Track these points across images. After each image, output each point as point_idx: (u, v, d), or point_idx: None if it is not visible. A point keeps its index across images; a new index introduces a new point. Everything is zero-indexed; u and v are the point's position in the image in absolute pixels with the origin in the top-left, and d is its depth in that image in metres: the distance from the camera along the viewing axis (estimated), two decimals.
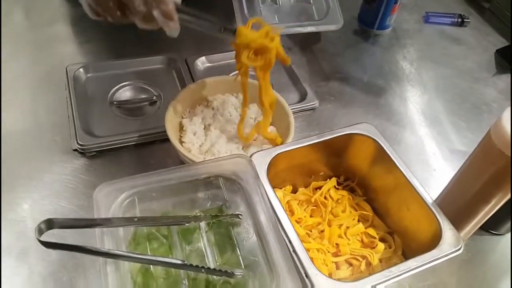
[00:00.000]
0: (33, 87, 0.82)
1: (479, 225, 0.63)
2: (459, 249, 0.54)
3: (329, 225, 0.64)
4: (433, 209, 0.57)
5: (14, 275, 0.58)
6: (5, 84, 0.81)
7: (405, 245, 0.64)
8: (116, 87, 0.82)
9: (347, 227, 0.64)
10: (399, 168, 0.60)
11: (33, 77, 0.84)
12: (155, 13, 0.54)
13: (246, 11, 0.82)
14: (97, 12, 0.56)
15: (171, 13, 0.55)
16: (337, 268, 0.61)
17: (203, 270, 0.48)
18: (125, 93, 0.82)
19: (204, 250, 0.52)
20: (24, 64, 0.86)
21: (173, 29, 0.57)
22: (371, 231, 0.63)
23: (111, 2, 0.54)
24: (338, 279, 0.59)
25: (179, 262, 0.48)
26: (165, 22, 0.55)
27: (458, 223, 0.59)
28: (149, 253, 0.51)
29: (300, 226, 0.63)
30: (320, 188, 0.68)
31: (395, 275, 0.51)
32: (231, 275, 0.48)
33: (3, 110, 0.76)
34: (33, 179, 0.68)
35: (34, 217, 0.64)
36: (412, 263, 0.52)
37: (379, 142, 0.62)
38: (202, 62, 0.90)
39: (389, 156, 0.61)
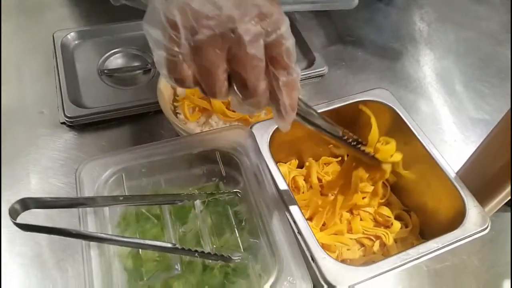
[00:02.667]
0: (18, 55, 0.76)
1: (505, 201, 0.56)
2: (485, 229, 0.48)
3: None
4: (456, 184, 0.51)
5: None
6: None
7: (423, 223, 0.58)
8: (107, 54, 0.76)
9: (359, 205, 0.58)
10: (418, 139, 0.54)
11: (19, 44, 0.78)
12: (281, 97, 0.37)
13: None
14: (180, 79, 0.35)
15: (295, 102, 0.39)
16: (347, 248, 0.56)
17: (196, 254, 0.43)
18: (116, 60, 0.76)
19: (199, 231, 0.47)
20: (9, 31, 0.80)
21: (290, 122, 0.40)
22: (386, 210, 0.58)
23: (221, 69, 0.34)
24: (349, 260, 0.54)
25: (169, 245, 0.43)
26: (287, 112, 0.38)
27: (481, 198, 0.53)
28: (139, 235, 0.46)
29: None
30: (329, 164, 0.62)
31: (413, 258, 0.46)
32: (228, 259, 0.43)
33: None
34: (18, 155, 0.63)
35: (20, 195, 0.58)
36: (432, 244, 0.47)
37: (396, 110, 0.56)
38: None
39: (408, 126, 0.55)
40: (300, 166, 0.63)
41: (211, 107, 0.61)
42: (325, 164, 0.63)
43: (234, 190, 0.48)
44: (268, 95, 0.37)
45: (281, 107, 0.38)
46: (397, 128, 0.56)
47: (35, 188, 0.60)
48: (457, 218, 0.50)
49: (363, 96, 0.57)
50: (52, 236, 0.54)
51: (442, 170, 0.52)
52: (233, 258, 0.43)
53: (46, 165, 0.63)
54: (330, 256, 0.44)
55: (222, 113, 0.60)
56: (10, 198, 0.59)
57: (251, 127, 0.53)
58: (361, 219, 0.57)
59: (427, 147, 0.53)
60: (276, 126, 0.53)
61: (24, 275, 0.53)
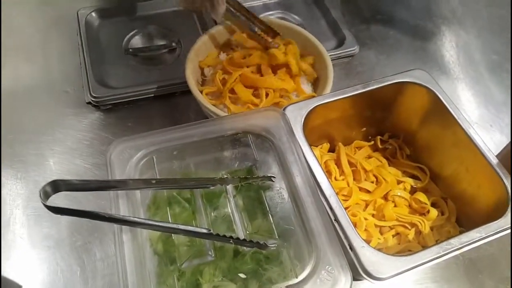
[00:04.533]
0: (42, 33, 0.75)
1: None
2: None
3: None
4: (499, 171, 0.49)
5: (25, 238, 0.54)
6: (12, 30, 0.74)
7: (459, 211, 0.56)
8: (132, 32, 0.74)
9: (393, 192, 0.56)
10: (459, 123, 0.51)
11: (42, 22, 0.76)
12: None
13: None
14: None
15: None
16: (381, 233, 0.54)
17: (231, 241, 0.41)
18: (141, 39, 0.74)
19: (231, 216, 0.46)
20: (32, 7, 0.78)
21: (221, 13, 0.58)
22: (422, 196, 0.55)
23: None
24: (384, 248, 0.53)
25: (204, 231, 0.41)
26: (218, 3, 0.56)
27: None
28: (170, 219, 0.45)
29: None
30: (361, 148, 0.60)
31: (455, 248, 0.44)
32: (263, 246, 0.42)
33: (8, 59, 0.70)
34: (44, 135, 0.62)
35: (46, 176, 0.59)
36: (475, 234, 0.45)
37: (436, 92, 0.53)
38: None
39: (448, 109, 0.52)
40: (331, 149, 0.61)
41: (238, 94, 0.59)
42: (357, 148, 0.61)
43: (268, 175, 0.46)
44: None
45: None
46: (436, 111, 0.54)
47: (61, 169, 0.60)
48: (500, 207, 0.47)
49: (401, 78, 0.54)
50: (79, 218, 0.55)
51: (484, 156, 0.50)
52: (268, 245, 0.42)
53: (71, 146, 0.62)
54: (369, 245, 0.42)
55: (250, 102, 0.58)
56: (37, 179, 0.58)
57: (284, 109, 0.51)
58: (395, 205, 0.56)
59: (467, 132, 0.51)
60: (310, 109, 0.51)
61: (51, 258, 0.53)
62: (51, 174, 0.59)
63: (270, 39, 0.63)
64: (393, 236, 0.54)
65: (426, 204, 0.55)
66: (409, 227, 0.54)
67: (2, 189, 0.57)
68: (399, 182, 0.57)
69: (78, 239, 0.54)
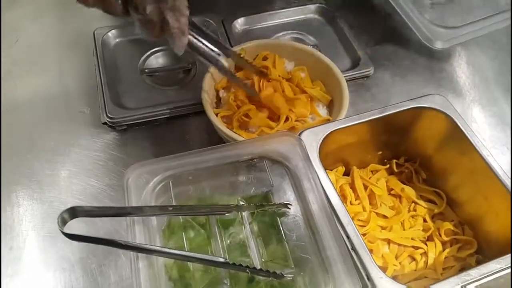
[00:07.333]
0: (58, 53, 0.75)
1: None
2: None
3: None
4: None
5: (40, 259, 0.54)
6: (28, 50, 0.75)
7: (476, 238, 0.55)
8: (148, 53, 0.75)
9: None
10: (477, 151, 0.51)
11: (59, 41, 0.77)
12: (170, 20, 0.47)
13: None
14: None
15: (185, 27, 0.48)
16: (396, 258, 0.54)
17: (248, 271, 0.41)
18: (157, 60, 0.74)
19: (246, 242, 0.45)
20: (48, 27, 0.79)
21: (181, 45, 0.50)
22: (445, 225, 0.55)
23: None
24: (401, 276, 0.52)
25: (221, 260, 0.41)
26: (177, 34, 0.48)
27: None
28: (184, 243, 0.45)
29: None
30: (377, 172, 0.60)
31: (474, 279, 0.43)
32: (280, 277, 0.42)
33: (26, 77, 0.71)
34: (59, 155, 0.63)
35: (61, 197, 0.59)
36: (495, 265, 0.44)
37: (454, 119, 0.52)
38: (240, 24, 0.81)
39: (466, 136, 0.51)
40: (347, 172, 0.60)
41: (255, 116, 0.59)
42: (372, 171, 0.61)
43: (284, 202, 0.46)
44: (158, 18, 0.47)
45: (172, 30, 0.47)
46: (454, 137, 0.53)
47: (76, 189, 0.60)
48: None
49: (419, 103, 0.54)
50: None
51: (503, 185, 0.49)
52: (285, 276, 0.42)
53: (87, 166, 0.62)
54: (387, 276, 0.42)
55: (266, 125, 0.58)
56: (52, 200, 0.58)
57: (299, 134, 0.51)
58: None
59: (487, 160, 0.50)
60: (327, 134, 0.51)
61: (66, 280, 0.52)
62: (66, 194, 0.59)
63: (250, 79, 0.61)
64: (409, 263, 0.53)
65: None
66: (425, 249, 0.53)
67: (19, 210, 0.57)
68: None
69: (93, 261, 0.54)
